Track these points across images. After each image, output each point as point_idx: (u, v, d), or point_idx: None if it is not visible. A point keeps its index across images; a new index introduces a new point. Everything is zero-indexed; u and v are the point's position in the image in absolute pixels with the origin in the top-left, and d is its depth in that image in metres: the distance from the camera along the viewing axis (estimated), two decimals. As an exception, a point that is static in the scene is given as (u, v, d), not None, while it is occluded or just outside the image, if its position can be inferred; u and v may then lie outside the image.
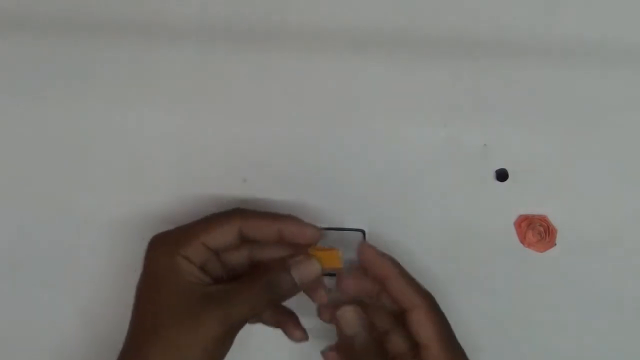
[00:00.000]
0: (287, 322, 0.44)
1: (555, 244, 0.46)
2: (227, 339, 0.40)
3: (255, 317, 0.43)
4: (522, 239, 0.46)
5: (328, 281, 0.44)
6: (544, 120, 0.47)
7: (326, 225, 0.47)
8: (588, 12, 0.47)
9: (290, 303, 0.43)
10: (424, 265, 0.47)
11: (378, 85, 0.47)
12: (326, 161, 0.47)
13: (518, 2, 0.47)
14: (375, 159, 0.47)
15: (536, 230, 0.46)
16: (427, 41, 0.47)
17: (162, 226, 0.46)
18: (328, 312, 0.43)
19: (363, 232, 0.47)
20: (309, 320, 0.45)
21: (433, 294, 0.47)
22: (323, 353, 0.44)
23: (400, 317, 0.42)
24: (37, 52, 0.47)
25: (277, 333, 0.44)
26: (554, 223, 0.47)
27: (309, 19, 0.47)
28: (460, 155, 0.47)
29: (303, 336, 0.44)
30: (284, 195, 0.47)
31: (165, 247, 0.41)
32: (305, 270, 0.41)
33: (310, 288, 0.43)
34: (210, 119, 0.47)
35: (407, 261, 0.47)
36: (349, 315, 0.42)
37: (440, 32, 0.47)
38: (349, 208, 0.47)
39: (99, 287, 0.47)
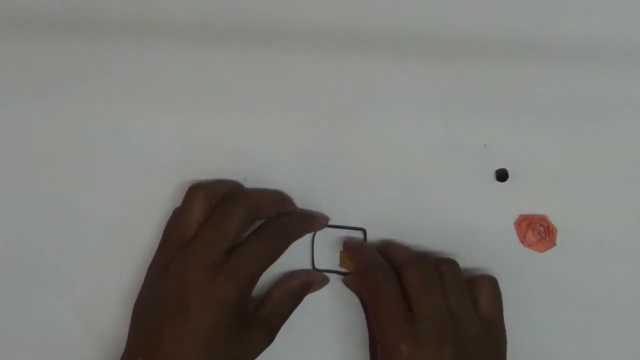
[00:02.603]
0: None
1: (555, 244, 0.46)
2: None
3: None
4: (522, 239, 0.46)
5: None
6: (544, 120, 0.47)
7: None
8: (588, 12, 0.47)
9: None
10: (424, 265, 0.47)
11: (378, 85, 0.47)
12: (326, 161, 0.47)
13: (518, 3, 0.47)
14: (376, 159, 0.47)
15: (536, 230, 0.46)
16: (428, 41, 0.47)
17: (162, 226, 0.46)
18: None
19: (364, 231, 0.47)
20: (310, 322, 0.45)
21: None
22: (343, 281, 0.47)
23: None
24: (37, 53, 0.47)
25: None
26: (554, 223, 0.47)
27: (309, 19, 0.47)
28: (460, 155, 0.47)
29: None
30: (284, 195, 0.47)
31: (238, 281, 0.42)
32: (318, 285, 0.46)
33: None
34: (210, 119, 0.47)
35: (407, 261, 0.47)
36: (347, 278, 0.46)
37: (440, 32, 0.47)
38: (349, 208, 0.47)
39: (98, 287, 0.47)
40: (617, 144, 0.47)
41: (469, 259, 0.47)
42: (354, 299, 0.46)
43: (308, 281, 0.46)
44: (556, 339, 0.47)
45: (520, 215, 0.46)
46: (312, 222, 0.46)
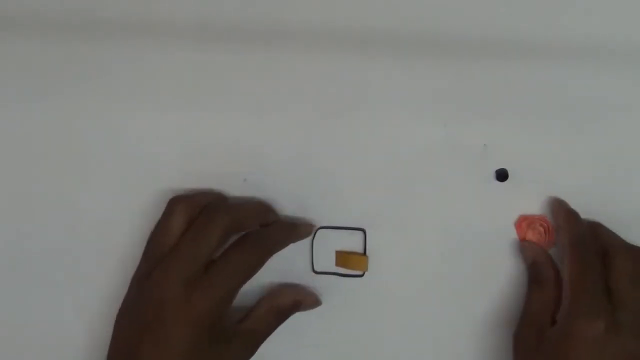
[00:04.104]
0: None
1: (555, 244, 0.46)
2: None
3: None
4: (522, 239, 0.46)
5: (351, 282, 0.46)
6: (544, 120, 0.47)
7: (326, 225, 0.47)
8: (588, 12, 0.47)
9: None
10: (424, 265, 0.47)
11: (378, 85, 0.47)
12: (326, 161, 0.47)
13: (518, 3, 0.47)
14: (376, 159, 0.47)
15: (536, 231, 0.46)
16: (427, 41, 0.47)
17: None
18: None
19: (364, 231, 0.47)
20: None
21: (432, 294, 0.47)
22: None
23: None
24: (37, 53, 0.47)
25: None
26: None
27: (309, 19, 0.47)
28: (460, 155, 0.47)
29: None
30: (284, 195, 0.47)
31: (212, 297, 0.41)
32: (309, 301, 0.46)
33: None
34: (210, 119, 0.47)
35: (407, 261, 0.47)
36: (525, 248, 0.46)
37: (440, 32, 0.47)
38: (349, 208, 0.47)
39: (98, 287, 0.47)
40: (617, 144, 0.47)
41: (469, 259, 0.47)
42: (354, 300, 0.47)
43: (298, 300, 0.45)
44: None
45: (520, 216, 0.46)
46: (294, 231, 0.46)
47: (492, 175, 0.47)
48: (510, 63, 0.47)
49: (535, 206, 0.47)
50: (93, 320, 0.47)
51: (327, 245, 0.47)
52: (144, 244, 0.45)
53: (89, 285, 0.47)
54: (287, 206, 0.47)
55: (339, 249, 0.47)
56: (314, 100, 0.47)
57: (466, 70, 0.47)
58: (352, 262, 0.46)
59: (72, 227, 0.47)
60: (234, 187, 0.47)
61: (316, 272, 0.47)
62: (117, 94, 0.47)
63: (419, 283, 0.47)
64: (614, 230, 0.45)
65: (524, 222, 0.46)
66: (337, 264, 0.47)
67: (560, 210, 0.46)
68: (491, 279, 0.47)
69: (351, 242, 0.47)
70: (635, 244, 0.44)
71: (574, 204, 0.47)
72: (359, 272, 0.47)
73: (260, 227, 0.45)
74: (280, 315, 0.45)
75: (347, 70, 0.47)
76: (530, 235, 0.46)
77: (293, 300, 0.45)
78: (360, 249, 0.47)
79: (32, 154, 0.47)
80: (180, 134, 0.47)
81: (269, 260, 0.43)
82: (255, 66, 0.47)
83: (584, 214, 0.46)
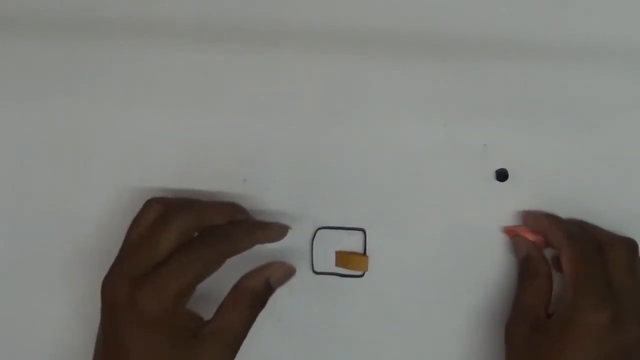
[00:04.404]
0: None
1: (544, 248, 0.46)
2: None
3: None
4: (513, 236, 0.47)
5: (351, 282, 0.46)
6: (544, 120, 0.47)
7: (326, 225, 0.47)
8: (588, 12, 0.47)
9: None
10: (424, 265, 0.47)
11: (378, 85, 0.47)
12: (326, 161, 0.47)
13: (518, 3, 0.47)
14: (376, 159, 0.47)
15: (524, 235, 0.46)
16: (427, 41, 0.47)
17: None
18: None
19: (363, 231, 0.47)
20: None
21: (432, 294, 0.47)
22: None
23: None
24: (37, 52, 0.47)
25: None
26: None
27: (309, 19, 0.47)
28: (460, 155, 0.47)
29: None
30: (284, 195, 0.47)
31: (162, 296, 0.38)
32: (279, 273, 0.43)
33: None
34: (210, 119, 0.47)
35: (407, 261, 0.47)
36: (518, 242, 0.46)
37: (440, 32, 0.47)
38: (349, 208, 0.47)
39: (98, 287, 0.47)
40: (617, 144, 0.47)
41: (468, 259, 0.47)
42: (354, 300, 0.47)
43: (267, 278, 0.42)
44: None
45: (505, 227, 0.46)
46: (262, 232, 0.43)
47: (492, 175, 0.47)
48: (510, 63, 0.47)
49: (535, 206, 0.47)
50: (93, 320, 0.47)
51: (327, 246, 0.47)
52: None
53: (88, 285, 0.47)
54: (287, 206, 0.47)
55: (339, 249, 0.47)
56: (314, 100, 0.47)
57: (466, 70, 0.47)
58: (352, 262, 0.46)
59: (72, 227, 0.47)
60: (234, 187, 0.47)
61: (316, 273, 0.47)
62: (117, 94, 0.47)
63: (419, 283, 0.47)
64: (614, 231, 0.45)
65: (510, 232, 0.46)
66: (337, 264, 0.47)
67: (541, 217, 0.46)
68: (491, 278, 0.47)
69: (351, 242, 0.47)
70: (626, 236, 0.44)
71: (574, 204, 0.47)
72: (359, 272, 0.47)
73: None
74: (254, 301, 0.41)
75: (347, 70, 0.47)
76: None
77: (262, 279, 0.42)
78: (360, 249, 0.47)
79: (32, 154, 0.47)
80: (180, 133, 0.47)
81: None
82: (255, 66, 0.47)
83: (584, 214, 0.46)
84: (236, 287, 0.41)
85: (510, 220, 0.47)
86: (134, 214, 0.44)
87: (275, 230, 0.44)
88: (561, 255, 0.43)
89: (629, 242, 0.43)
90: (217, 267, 0.40)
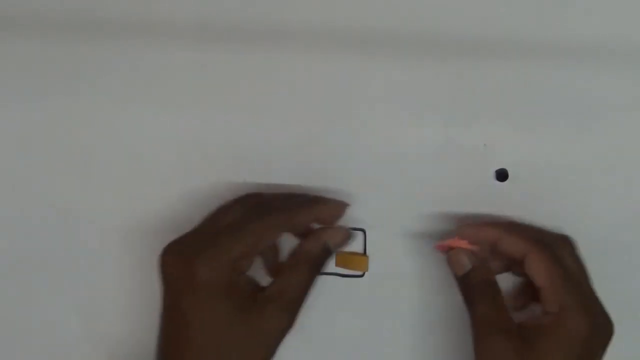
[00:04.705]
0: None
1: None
2: (289, 327, 0.40)
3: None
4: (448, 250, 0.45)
5: (351, 282, 0.46)
6: (544, 120, 0.47)
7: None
8: (588, 12, 0.47)
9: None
10: (424, 265, 0.47)
11: (378, 85, 0.47)
12: (326, 161, 0.47)
13: (518, 3, 0.47)
14: (376, 159, 0.47)
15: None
16: (427, 41, 0.47)
17: (161, 226, 0.46)
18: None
19: (364, 231, 0.47)
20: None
21: (432, 294, 0.47)
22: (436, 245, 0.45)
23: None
24: (37, 52, 0.47)
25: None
26: (554, 223, 0.47)
27: (309, 19, 0.47)
28: (460, 155, 0.47)
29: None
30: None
31: (215, 261, 0.39)
32: (338, 237, 0.43)
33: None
34: (210, 119, 0.47)
35: (407, 261, 0.47)
36: (459, 255, 0.43)
37: (440, 32, 0.47)
38: (349, 208, 0.47)
39: (99, 287, 0.47)
40: (617, 144, 0.47)
41: (469, 259, 0.47)
42: (354, 300, 0.47)
43: (325, 240, 0.42)
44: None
45: (438, 245, 0.45)
46: (320, 207, 0.43)
47: (492, 175, 0.47)
48: (510, 63, 0.47)
49: (535, 206, 0.47)
50: (93, 320, 0.47)
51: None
52: (144, 243, 0.45)
53: (89, 285, 0.47)
54: (287, 206, 0.47)
55: (368, 255, 0.47)
56: (314, 100, 0.47)
57: (466, 70, 0.47)
58: (352, 262, 0.46)
59: (72, 227, 0.47)
60: (234, 187, 0.47)
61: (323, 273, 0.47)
62: (117, 94, 0.47)
63: (419, 283, 0.47)
64: (615, 230, 0.45)
65: (443, 248, 0.45)
66: (337, 264, 0.47)
67: (487, 228, 0.44)
68: (491, 279, 0.47)
69: (351, 242, 0.47)
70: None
71: (574, 204, 0.47)
72: (359, 272, 0.47)
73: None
74: (312, 265, 0.42)
75: (347, 70, 0.47)
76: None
77: (321, 243, 0.42)
78: (360, 249, 0.47)
79: (32, 154, 0.47)
80: (180, 134, 0.47)
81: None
82: (255, 66, 0.47)
83: (584, 214, 0.46)
84: (295, 251, 0.42)
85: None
86: (134, 214, 0.44)
87: (333, 206, 0.44)
88: (529, 262, 0.42)
89: (570, 239, 0.44)
90: (273, 238, 0.41)
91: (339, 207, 0.44)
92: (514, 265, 0.44)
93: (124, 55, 0.47)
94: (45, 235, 0.47)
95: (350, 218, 0.47)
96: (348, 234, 0.44)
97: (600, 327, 0.41)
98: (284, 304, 0.40)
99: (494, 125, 0.47)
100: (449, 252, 0.44)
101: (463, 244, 0.44)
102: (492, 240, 0.43)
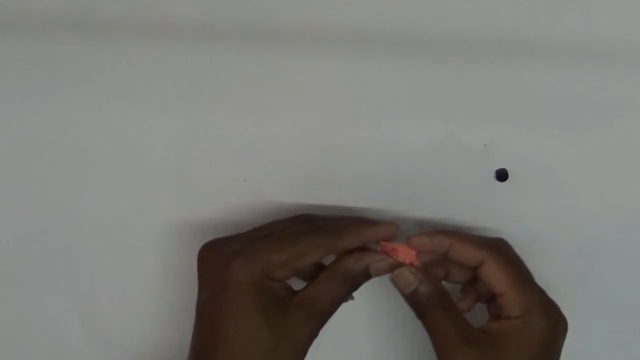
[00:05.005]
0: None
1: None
2: (314, 336, 0.41)
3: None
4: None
5: None
6: (544, 120, 0.47)
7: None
8: (589, 12, 0.47)
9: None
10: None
11: (378, 85, 0.47)
12: (326, 161, 0.47)
13: (519, 3, 0.47)
14: (376, 159, 0.47)
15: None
16: (427, 41, 0.47)
17: (161, 226, 0.46)
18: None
19: (363, 231, 0.47)
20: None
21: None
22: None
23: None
24: (37, 52, 0.47)
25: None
26: (554, 223, 0.47)
27: (309, 19, 0.47)
28: (460, 155, 0.47)
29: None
30: (284, 195, 0.47)
31: (250, 269, 0.40)
32: (380, 265, 0.42)
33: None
34: (210, 119, 0.47)
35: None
36: (404, 273, 0.42)
37: (440, 32, 0.47)
38: (349, 208, 0.47)
39: (98, 287, 0.47)
40: (617, 144, 0.47)
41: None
42: (354, 300, 0.47)
43: (367, 263, 0.42)
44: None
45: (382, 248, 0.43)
46: (370, 229, 0.42)
47: (492, 175, 0.47)
48: (510, 63, 0.47)
49: (535, 206, 0.47)
50: (93, 320, 0.47)
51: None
52: (144, 243, 0.45)
53: (89, 285, 0.47)
54: (287, 206, 0.47)
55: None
56: (313, 100, 0.47)
57: (466, 70, 0.47)
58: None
59: (72, 227, 0.47)
60: (234, 187, 0.47)
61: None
62: (117, 94, 0.47)
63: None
64: (615, 230, 0.45)
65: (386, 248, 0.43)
66: None
67: (440, 237, 0.42)
68: (491, 279, 0.47)
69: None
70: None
71: (574, 204, 0.47)
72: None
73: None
74: (349, 280, 0.42)
75: (347, 70, 0.47)
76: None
77: (363, 264, 0.42)
78: None
79: (32, 154, 0.47)
80: (180, 134, 0.47)
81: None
82: (255, 66, 0.47)
83: (584, 214, 0.46)
84: (334, 264, 0.42)
85: (510, 221, 0.47)
86: (134, 214, 0.44)
87: (382, 229, 0.43)
88: (488, 268, 0.41)
89: (506, 241, 0.44)
90: (315, 256, 0.41)
91: (389, 229, 0.43)
92: (463, 273, 0.44)
93: (124, 55, 0.47)
94: (45, 235, 0.47)
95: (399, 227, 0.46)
96: (392, 267, 0.42)
97: (560, 325, 0.41)
98: (312, 310, 0.41)
99: (494, 125, 0.47)
100: (393, 273, 0.42)
101: (408, 253, 0.42)
102: (443, 249, 0.42)
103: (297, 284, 0.42)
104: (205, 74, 0.47)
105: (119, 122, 0.47)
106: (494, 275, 0.41)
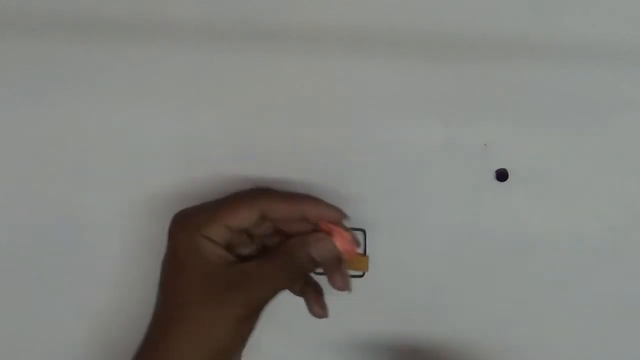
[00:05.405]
0: (310, 295, 0.43)
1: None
2: (251, 318, 0.41)
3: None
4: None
5: (351, 282, 0.44)
6: (544, 120, 0.47)
7: (326, 225, 0.47)
8: (589, 12, 0.47)
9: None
10: (424, 265, 0.47)
11: (378, 85, 0.47)
12: (326, 161, 0.47)
13: (519, 3, 0.47)
14: (376, 159, 0.47)
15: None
16: (427, 41, 0.47)
17: (162, 226, 0.46)
18: None
19: (364, 231, 0.47)
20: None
21: (433, 293, 0.47)
22: None
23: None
24: (37, 52, 0.47)
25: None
26: (553, 223, 0.47)
27: (309, 19, 0.47)
28: (460, 155, 0.47)
29: (322, 313, 0.43)
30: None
31: (187, 226, 0.41)
32: (323, 248, 0.41)
33: (328, 269, 0.42)
34: (210, 119, 0.47)
35: (407, 261, 0.47)
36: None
37: (440, 32, 0.47)
38: (349, 208, 0.47)
39: (98, 287, 0.47)
40: (617, 144, 0.47)
41: (469, 259, 0.47)
42: (354, 300, 0.47)
43: (313, 258, 0.41)
44: (556, 338, 0.47)
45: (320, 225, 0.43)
46: (314, 204, 0.42)
47: (492, 175, 0.47)
48: (510, 63, 0.47)
49: (535, 206, 0.47)
50: (93, 320, 0.47)
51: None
52: (144, 243, 0.45)
53: (89, 285, 0.47)
54: (287, 206, 0.47)
55: (368, 256, 0.47)
56: (313, 100, 0.47)
57: (466, 70, 0.47)
58: (352, 262, 0.46)
59: (72, 227, 0.47)
60: (234, 187, 0.47)
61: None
62: (117, 94, 0.47)
63: (419, 283, 0.47)
64: (616, 230, 0.45)
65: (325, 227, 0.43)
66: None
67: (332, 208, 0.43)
68: (491, 278, 0.47)
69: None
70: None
71: (573, 204, 0.47)
72: (359, 272, 0.47)
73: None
74: (292, 270, 0.41)
75: (346, 71, 0.47)
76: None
77: (308, 256, 0.41)
78: (360, 249, 0.47)
79: (32, 154, 0.48)
80: (180, 134, 0.47)
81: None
82: (255, 66, 0.47)
83: (584, 213, 0.46)
84: (285, 248, 0.42)
85: (510, 221, 0.47)
86: (133, 214, 0.44)
87: (326, 208, 0.43)
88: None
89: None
90: (250, 215, 0.41)
91: (333, 213, 0.43)
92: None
93: (124, 55, 0.47)
94: (45, 235, 0.47)
95: (351, 218, 0.47)
96: (337, 252, 0.42)
97: None
98: (244, 286, 0.40)
99: (494, 125, 0.47)
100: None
101: (344, 236, 0.42)
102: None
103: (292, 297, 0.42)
104: (205, 74, 0.47)
105: (118, 121, 0.47)
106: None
